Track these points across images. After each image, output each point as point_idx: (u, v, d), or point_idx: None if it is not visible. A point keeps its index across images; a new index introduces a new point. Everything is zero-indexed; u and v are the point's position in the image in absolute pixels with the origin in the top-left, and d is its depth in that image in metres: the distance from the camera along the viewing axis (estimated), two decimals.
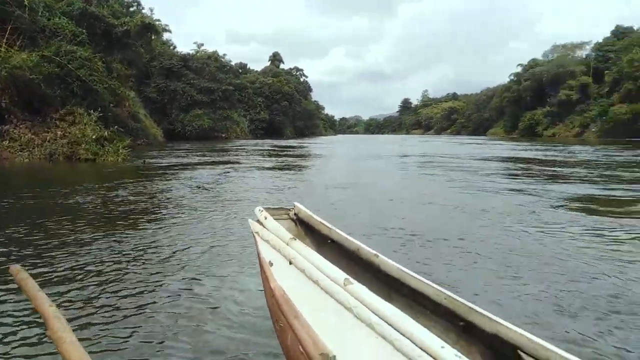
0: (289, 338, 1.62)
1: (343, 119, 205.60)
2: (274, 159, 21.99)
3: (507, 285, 3.95)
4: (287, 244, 1.93)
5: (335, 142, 55.62)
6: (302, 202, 2.71)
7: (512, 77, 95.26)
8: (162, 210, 7.46)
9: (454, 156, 23.79)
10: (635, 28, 77.02)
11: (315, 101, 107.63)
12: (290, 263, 1.85)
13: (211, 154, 24.73)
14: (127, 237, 5.56)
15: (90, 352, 1.46)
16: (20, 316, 3.27)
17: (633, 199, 8.84)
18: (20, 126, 19.11)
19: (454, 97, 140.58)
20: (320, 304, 1.62)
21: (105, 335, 2.99)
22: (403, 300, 1.91)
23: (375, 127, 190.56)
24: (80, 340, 1.35)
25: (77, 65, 21.40)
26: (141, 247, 5.09)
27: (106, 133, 19.09)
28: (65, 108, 20.83)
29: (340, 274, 1.62)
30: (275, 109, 71.65)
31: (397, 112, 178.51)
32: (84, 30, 24.05)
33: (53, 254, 4.77)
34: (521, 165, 17.60)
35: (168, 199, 8.68)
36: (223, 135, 52.39)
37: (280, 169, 16.18)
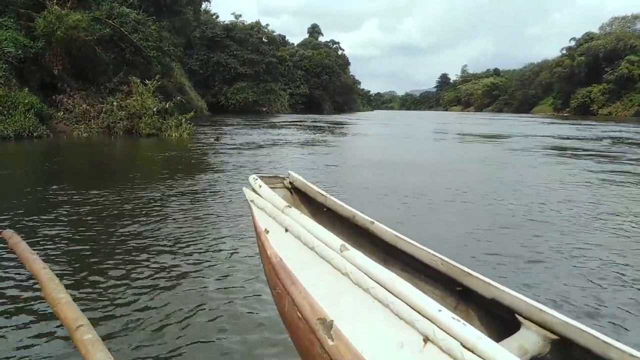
0: (286, 304, 1.62)
1: (378, 94, 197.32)
2: (354, 139, 19.83)
3: None
4: (283, 212, 1.86)
5: (383, 118, 52.73)
6: None
7: (563, 52, 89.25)
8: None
9: (566, 138, 20.43)
10: None
11: (352, 75, 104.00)
12: (286, 230, 1.79)
13: (275, 130, 22.69)
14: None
15: (84, 311, 1.33)
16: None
17: None
18: (74, 96, 17.41)
19: (496, 72, 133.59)
20: (316, 270, 1.56)
21: None
22: (399, 265, 1.91)
23: (412, 102, 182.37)
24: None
25: (130, 29, 19.46)
26: None
27: (167, 105, 17.11)
28: (119, 76, 19.05)
29: (336, 240, 1.56)
30: (315, 82, 68.72)
31: (434, 87, 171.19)
32: None
33: None
34: None
35: None
36: (264, 110, 50.31)
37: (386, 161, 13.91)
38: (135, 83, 17.64)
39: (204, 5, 43.53)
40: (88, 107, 17.29)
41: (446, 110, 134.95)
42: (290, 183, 2.44)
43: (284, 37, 77.96)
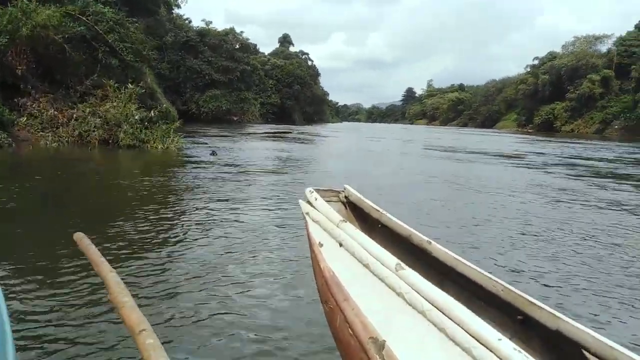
0: (338, 320, 1.57)
1: (344, 106, 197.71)
2: (364, 157, 18.44)
3: None
4: (337, 226, 1.84)
5: (357, 130, 51.96)
6: None
7: (527, 69, 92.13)
8: None
9: (585, 158, 19.30)
10: None
11: (321, 87, 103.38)
12: (341, 245, 1.76)
13: (265, 143, 21.34)
14: None
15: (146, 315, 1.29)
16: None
17: None
18: (40, 100, 15.23)
19: (460, 87, 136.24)
20: (370, 288, 1.52)
21: None
22: (456, 289, 1.78)
23: (378, 115, 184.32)
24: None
25: (105, 29, 17.44)
26: None
27: (152, 113, 15.20)
28: (91, 79, 16.94)
29: (391, 259, 1.52)
30: (287, 92, 67.35)
31: (400, 101, 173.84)
32: None
33: None
34: None
35: None
36: (235, 119, 48.35)
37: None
38: (112, 87, 15.65)
39: (175, 10, 41.50)
40: (56, 112, 15.15)
41: (412, 123, 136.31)
42: (346, 197, 2.39)
43: (255, 45, 76.30)
